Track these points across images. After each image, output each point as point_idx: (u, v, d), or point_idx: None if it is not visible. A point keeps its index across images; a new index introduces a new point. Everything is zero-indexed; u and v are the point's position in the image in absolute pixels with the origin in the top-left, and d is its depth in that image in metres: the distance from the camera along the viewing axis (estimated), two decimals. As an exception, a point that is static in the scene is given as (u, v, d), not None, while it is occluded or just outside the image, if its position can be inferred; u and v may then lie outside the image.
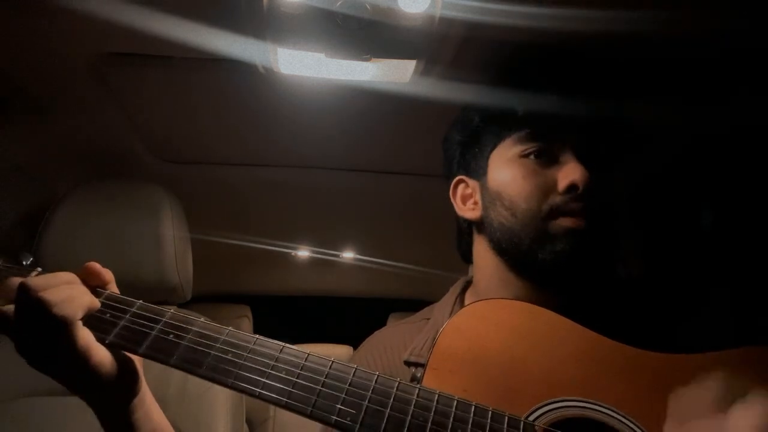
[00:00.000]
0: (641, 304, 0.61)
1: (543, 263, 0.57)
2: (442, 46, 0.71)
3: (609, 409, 0.46)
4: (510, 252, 0.61)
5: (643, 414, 0.46)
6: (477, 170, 0.66)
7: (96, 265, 0.51)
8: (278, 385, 0.44)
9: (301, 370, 0.45)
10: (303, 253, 1.82)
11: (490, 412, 0.43)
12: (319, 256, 1.74)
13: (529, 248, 0.58)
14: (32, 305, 0.45)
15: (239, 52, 0.74)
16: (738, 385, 0.41)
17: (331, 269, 1.89)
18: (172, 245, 0.93)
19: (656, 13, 0.64)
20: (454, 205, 0.69)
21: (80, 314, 0.46)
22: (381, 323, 0.77)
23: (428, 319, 0.68)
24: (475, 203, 0.66)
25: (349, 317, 2.15)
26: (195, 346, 0.46)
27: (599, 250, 0.57)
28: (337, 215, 1.47)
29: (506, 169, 0.62)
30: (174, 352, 0.46)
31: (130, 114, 0.99)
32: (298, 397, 0.43)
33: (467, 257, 0.71)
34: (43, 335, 0.45)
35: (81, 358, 0.45)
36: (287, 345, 0.47)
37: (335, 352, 2.18)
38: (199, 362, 0.45)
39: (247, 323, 2.10)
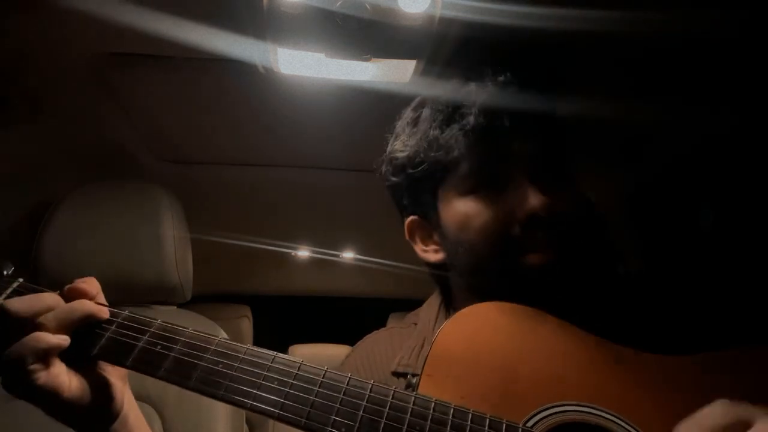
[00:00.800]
0: (640, 305, 0.60)
1: (519, 299, 0.52)
2: (442, 46, 0.71)
3: (607, 413, 0.46)
4: (484, 294, 0.54)
5: (642, 417, 0.45)
6: (428, 211, 0.60)
7: (77, 287, 0.49)
8: (270, 396, 0.43)
9: (293, 380, 0.43)
10: (303, 253, 1.82)
11: (487, 420, 0.42)
12: (319, 256, 1.74)
13: (503, 289, 0.53)
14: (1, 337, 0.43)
15: (239, 52, 0.74)
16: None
17: (331, 269, 1.89)
18: (172, 245, 0.93)
19: (655, 12, 0.63)
20: (415, 248, 0.63)
21: (30, 360, 0.43)
22: (381, 323, 0.76)
23: (416, 323, 0.66)
24: (436, 244, 0.61)
25: (349, 317, 2.15)
26: (183, 358, 0.45)
27: (575, 275, 0.53)
28: (337, 215, 1.47)
29: (457, 211, 0.56)
30: (162, 364, 0.45)
31: (130, 114, 0.99)
32: (290, 408, 0.42)
33: (444, 288, 0.65)
34: (5, 368, 0.44)
35: (48, 395, 0.44)
36: (279, 354, 0.46)
37: (335, 352, 2.17)
38: (188, 374, 0.44)
39: (247, 323, 2.11)
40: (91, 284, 0.50)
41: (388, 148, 0.64)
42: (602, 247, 0.66)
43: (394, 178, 0.63)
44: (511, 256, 0.54)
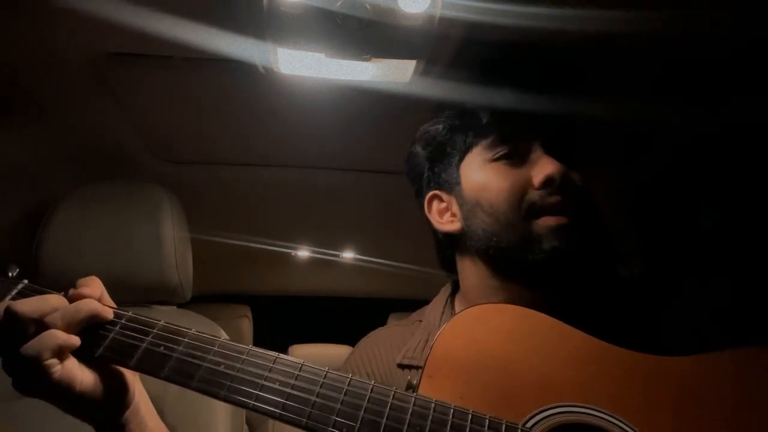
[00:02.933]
0: (639, 305, 0.61)
1: (533, 264, 0.56)
2: (442, 46, 0.71)
3: (607, 414, 0.46)
4: (498, 258, 0.60)
5: (640, 418, 0.45)
6: (449, 182, 0.65)
7: (81, 291, 0.49)
8: (272, 396, 0.43)
9: (295, 380, 0.44)
10: (303, 253, 1.82)
11: (487, 420, 0.43)
12: (319, 256, 1.74)
13: (518, 251, 0.57)
14: (5, 338, 0.44)
15: (239, 52, 0.74)
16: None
17: (331, 269, 1.89)
18: (172, 245, 0.93)
19: (656, 12, 0.63)
20: (431, 221, 0.67)
21: (47, 355, 0.44)
22: (381, 323, 0.76)
23: (421, 321, 0.68)
24: (453, 215, 0.65)
25: (349, 317, 2.15)
26: (186, 358, 0.46)
27: (587, 242, 0.57)
28: (337, 215, 1.46)
29: (480, 175, 0.61)
30: (165, 364, 0.45)
31: (130, 114, 0.99)
32: (292, 408, 0.42)
33: (451, 269, 0.69)
34: (19, 367, 0.45)
35: (62, 390, 0.45)
36: (281, 355, 0.46)
37: (335, 352, 2.18)
38: (191, 374, 0.45)
39: (247, 323, 2.11)
40: (95, 285, 0.50)
41: (422, 127, 0.69)
42: (604, 247, 0.66)
43: (423, 151, 0.68)
44: (526, 218, 0.57)
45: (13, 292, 0.50)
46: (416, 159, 0.70)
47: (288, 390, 0.43)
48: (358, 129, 1.03)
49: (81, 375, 0.46)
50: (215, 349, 0.46)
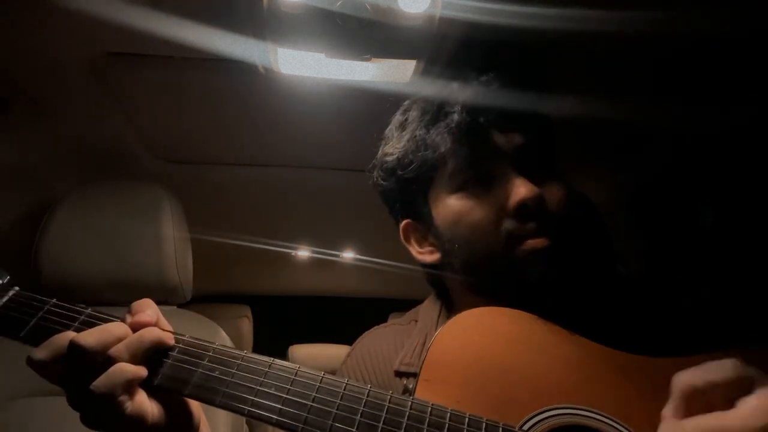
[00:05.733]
0: (638, 306, 0.60)
1: (518, 291, 0.53)
2: (442, 46, 0.71)
3: (603, 416, 0.46)
4: (482, 288, 0.57)
5: (636, 420, 0.45)
6: (421, 213, 0.61)
7: (140, 318, 0.47)
8: (268, 402, 0.43)
9: (290, 385, 0.44)
10: (303, 253, 1.82)
11: (483, 423, 0.42)
12: (319, 256, 1.74)
13: (501, 281, 0.54)
14: (71, 373, 0.43)
15: (239, 52, 0.74)
16: (732, 388, 0.41)
17: (331, 269, 1.89)
18: (172, 245, 0.93)
19: (654, 11, 0.63)
20: (410, 250, 0.64)
21: (119, 391, 0.42)
22: (381, 323, 0.76)
23: (416, 321, 0.66)
24: (432, 245, 0.61)
25: (349, 317, 2.15)
26: (180, 364, 0.45)
27: (572, 261, 0.53)
28: (336, 215, 1.46)
29: (449, 209, 0.57)
30: (158, 371, 0.45)
31: (130, 114, 0.99)
32: (288, 414, 0.42)
33: (439, 286, 0.65)
34: (89, 403, 0.43)
35: (135, 424, 0.43)
36: (276, 360, 0.46)
37: (335, 353, 2.17)
38: (185, 381, 0.44)
39: (247, 323, 2.11)
40: (152, 309, 0.48)
41: (379, 153, 0.65)
42: (600, 245, 0.65)
43: (385, 183, 0.64)
44: (506, 249, 0.54)
45: (4, 300, 0.49)
46: (382, 188, 0.65)
47: (284, 395, 0.43)
48: (358, 129, 1.03)
49: (151, 407, 0.45)
50: (210, 354, 0.46)
